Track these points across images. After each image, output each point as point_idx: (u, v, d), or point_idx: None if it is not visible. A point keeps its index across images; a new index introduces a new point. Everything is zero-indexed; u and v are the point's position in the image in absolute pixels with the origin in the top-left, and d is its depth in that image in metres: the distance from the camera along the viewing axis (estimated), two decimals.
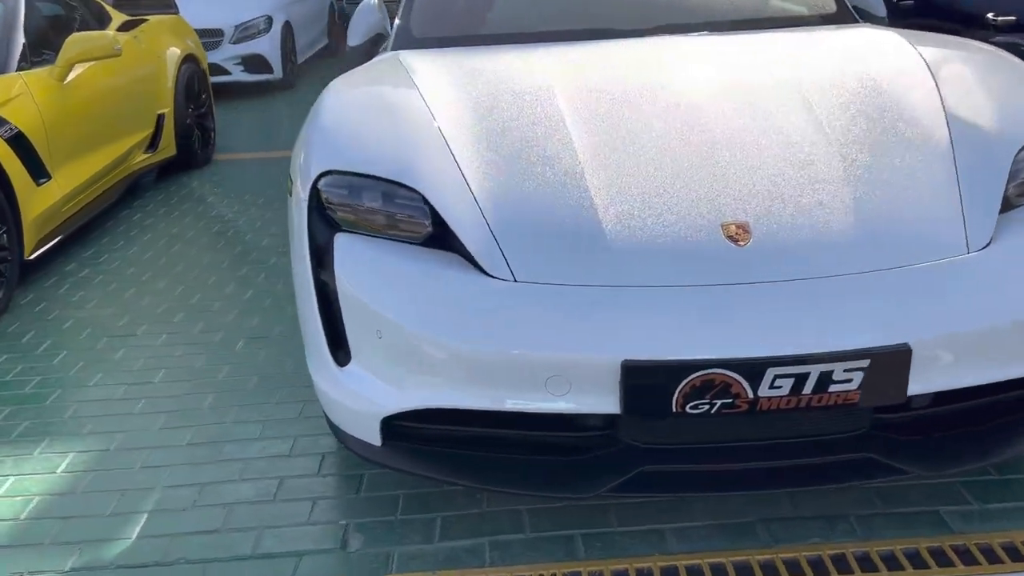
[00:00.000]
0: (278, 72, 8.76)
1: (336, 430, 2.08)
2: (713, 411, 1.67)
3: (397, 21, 3.14)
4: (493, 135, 2.12)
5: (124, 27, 5.32)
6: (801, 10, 2.98)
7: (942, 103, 2.13)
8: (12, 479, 2.39)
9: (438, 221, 1.94)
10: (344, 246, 2.00)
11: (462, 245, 1.88)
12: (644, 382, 1.66)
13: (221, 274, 3.84)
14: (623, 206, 1.88)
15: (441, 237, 1.94)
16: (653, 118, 2.14)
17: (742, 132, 2.07)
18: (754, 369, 1.63)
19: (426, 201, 1.95)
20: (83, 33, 4.34)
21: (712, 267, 1.75)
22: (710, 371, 1.63)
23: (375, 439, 1.96)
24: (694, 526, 2.01)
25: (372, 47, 3.23)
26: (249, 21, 8.61)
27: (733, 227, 1.81)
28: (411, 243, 1.96)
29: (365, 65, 2.83)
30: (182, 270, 3.92)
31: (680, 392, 1.66)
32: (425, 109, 2.24)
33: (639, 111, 2.18)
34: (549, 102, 2.25)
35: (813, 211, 1.84)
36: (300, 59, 9.57)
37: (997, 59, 2.40)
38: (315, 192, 2.08)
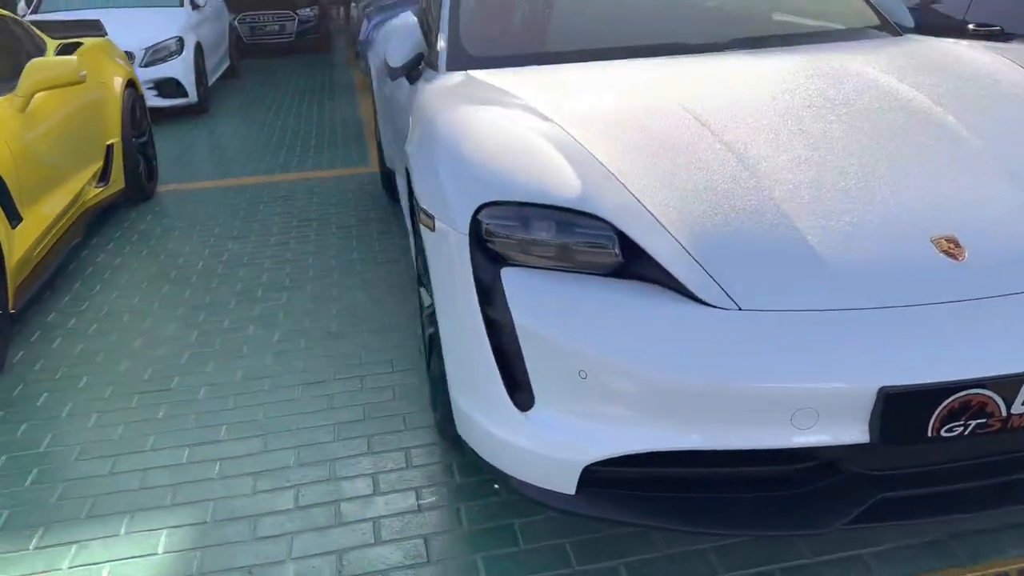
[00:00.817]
0: (192, 96, 8.30)
1: (508, 479, 1.92)
2: (967, 432, 1.63)
3: (441, 41, 2.99)
4: (647, 157, 2.02)
5: (61, 52, 4.88)
6: (853, 23, 3.02)
7: None
8: (108, 567, 2.09)
9: (625, 251, 1.82)
10: (517, 282, 1.85)
11: (665, 274, 1.76)
12: (902, 408, 1.59)
13: (232, 315, 3.55)
14: (826, 226, 1.81)
15: (625, 268, 1.82)
16: (813, 135, 2.09)
17: (906, 145, 2.06)
18: (1010, 386, 1.60)
19: (614, 229, 1.82)
20: (43, 59, 3.93)
21: (939, 284, 1.71)
22: (969, 392, 1.59)
23: (569, 487, 1.82)
24: (892, 548, 1.97)
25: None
26: (160, 43, 8.13)
27: (943, 241, 1.78)
28: (594, 275, 1.83)
29: (440, 87, 2.66)
30: (185, 312, 3.60)
31: (938, 416, 1.61)
32: (563, 132, 2.12)
33: (792, 127, 2.13)
34: (688, 121, 2.17)
35: (1013, 219, 1.84)
36: (209, 82, 9.11)
37: None
38: (475, 225, 1.92)
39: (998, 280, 1.72)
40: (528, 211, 1.89)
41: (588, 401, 1.75)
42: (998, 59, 2.57)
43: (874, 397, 1.59)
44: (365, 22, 9.34)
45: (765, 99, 2.29)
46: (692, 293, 1.73)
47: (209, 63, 9.17)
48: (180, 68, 8.17)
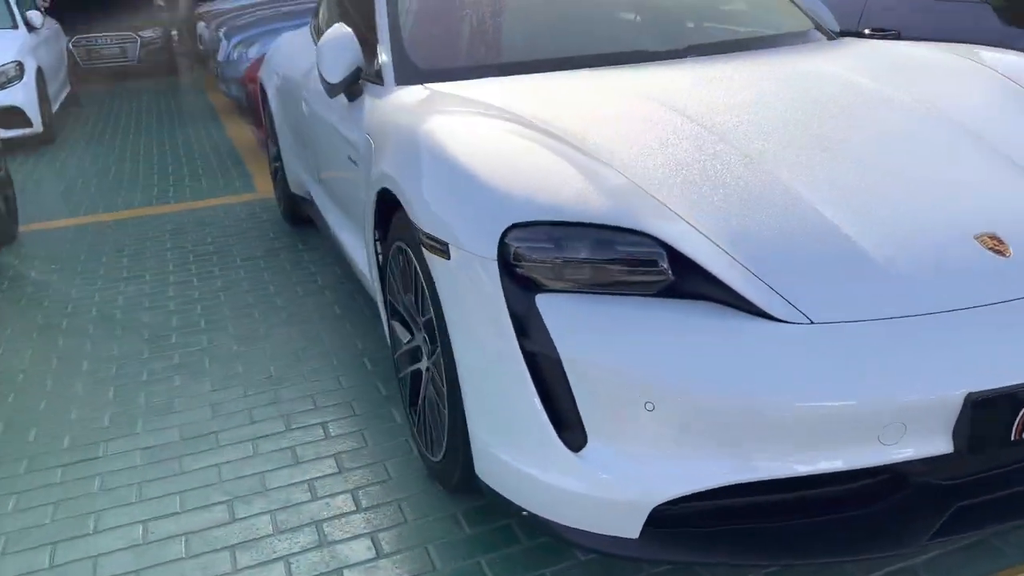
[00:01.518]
0: (37, 125, 7.57)
1: (550, 526, 1.74)
2: None
3: (383, 54, 2.77)
4: (671, 170, 1.90)
5: None
6: (792, 28, 3.03)
7: None
8: None
9: (673, 267, 1.68)
10: (558, 309, 1.68)
11: (724, 290, 1.64)
12: (987, 414, 1.54)
13: (149, 366, 3.16)
14: (874, 231, 1.75)
15: (674, 286, 1.69)
16: (827, 139, 2.03)
17: (916, 145, 2.04)
18: None
19: (662, 244, 1.68)
20: None
21: (995, 282, 1.67)
22: None
23: (632, 531, 1.66)
24: (940, 554, 1.92)
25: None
26: None
27: (987, 239, 1.75)
28: (642, 296, 1.69)
29: (401, 103, 2.45)
30: (92, 367, 3.17)
31: (1021, 418, 1.56)
32: (573, 146, 1.97)
33: (802, 132, 2.06)
34: (698, 131, 2.07)
35: None
36: (53, 109, 8.34)
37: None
38: (501, 249, 1.73)
39: None
40: (562, 230, 1.72)
41: (657, 434, 1.60)
42: (949, 55, 2.62)
43: (960, 405, 1.53)
44: (223, 42, 8.84)
45: (760, 104, 2.23)
46: (758, 308, 1.61)
47: (51, 89, 8.41)
48: (22, 95, 7.43)
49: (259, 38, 8.38)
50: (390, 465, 2.43)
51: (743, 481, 1.57)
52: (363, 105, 2.72)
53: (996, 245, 1.74)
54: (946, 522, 1.64)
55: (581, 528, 1.71)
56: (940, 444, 1.57)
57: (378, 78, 2.76)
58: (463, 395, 1.87)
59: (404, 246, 2.14)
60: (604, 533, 1.69)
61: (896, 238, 1.73)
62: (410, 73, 2.68)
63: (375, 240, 2.49)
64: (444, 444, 2.07)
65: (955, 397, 1.52)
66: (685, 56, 2.73)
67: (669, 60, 2.69)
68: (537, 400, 1.69)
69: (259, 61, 6.76)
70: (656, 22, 2.94)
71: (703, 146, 2.00)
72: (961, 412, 1.53)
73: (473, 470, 1.97)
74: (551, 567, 1.98)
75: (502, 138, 1.99)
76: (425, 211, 1.91)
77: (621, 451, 1.64)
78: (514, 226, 1.73)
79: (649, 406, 1.58)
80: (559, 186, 1.80)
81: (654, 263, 1.68)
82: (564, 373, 1.65)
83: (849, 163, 1.94)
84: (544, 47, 2.77)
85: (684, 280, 1.68)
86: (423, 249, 1.92)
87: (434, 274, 1.89)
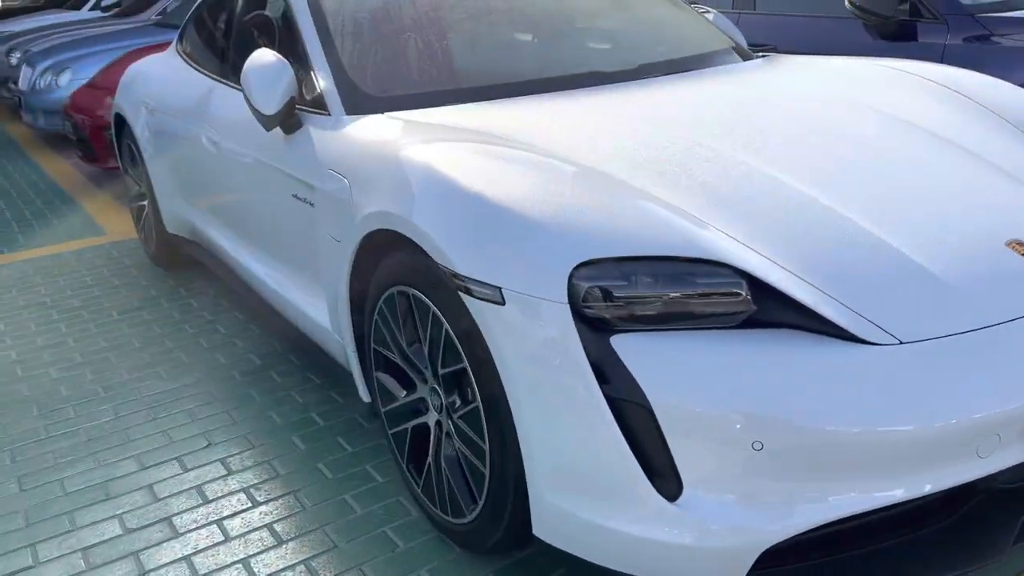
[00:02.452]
0: None
1: None
2: None
3: (322, 81, 2.55)
4: (711, 195, 1.84)
5: None
6: (717, 47, 3.08)
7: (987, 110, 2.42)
8: None
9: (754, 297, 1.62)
10: (640, 351, 1.57)
11: (809, 316, 1.59)
12: None
13: (53, 448, 2.71)
14: (921, 246, 1.76)
15: (753, 316, 1.62)
16: (839, 156, 2.05)
17: (919, 157, 2.10)
18: None
19: (741, 273, 1.61)
20: None
21: None
22: None
23: None
24: None
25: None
26: None
27: (1016, 245, 1.82)
28: (722, 328, 1.61)
29: (370, 135, 2.24)
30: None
31: None
32: (607, 175, 1.87)
33: (814, 151, 2.07)
34: (711, 150, 2.03)
35: None
36: None
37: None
38: (571, 290, 1.60)
39: None
40: (632, 266, 1.62)
41: (766, 473, 1.53)
42: (882, 67, 2.76)
43: None
44: (26, 69, 7.98)
45: (755, 123, 2.22)
46: (846, 332, 1.58)
47: None
48: None
49: (70, 64, 7.66)
50: (402, 530, 2.21)
51: (859, 511, 1.53)
52: (308, 139, 2.47)
53: None
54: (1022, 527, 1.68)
55: None
56: (1021, 452, 1.61)
57: (319, 108, 2.52)
58: (523, 448, 1.71)
59: (414, 292, 1.94)
60: None
61: (943, 252, 1.76)
62: (361, 101, 2.47)
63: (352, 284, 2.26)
64: (481, 503, 1.90)
65: None
66: (639, 76, 2.70)
67: (625, 81, 2.65)
68: (627, 448, 1.57)
69: (89, 89, 6.13)
70: (604, 43, 2.90)
71: (730, 168, 1.96)
72: None
73: (524, 528, 1.81)
74: None
75: (532, 171, 1.85)
76: (464, 253, 1.73)
77: (724, 496, 1.56)
78: (581, 265, 1.61)
79: (757, 445, 1.51)
80: (618, 218, 1.69)
81: (736, 294, 1.61)
82: (655, 419, 1.55)
83: (870, 179, 1.97)
84: (501, 71, 2.64)
85: (763, 309, 1.62)
86: (461, 295, 1.75)
87: (480, 321, 1.72)
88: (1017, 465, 1.62)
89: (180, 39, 4.04)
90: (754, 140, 2.12)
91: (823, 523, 1.53)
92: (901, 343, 1.58)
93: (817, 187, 1.91)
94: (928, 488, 1.56)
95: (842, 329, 1.58)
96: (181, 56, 3.90)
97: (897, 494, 1.54)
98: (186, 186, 3.67)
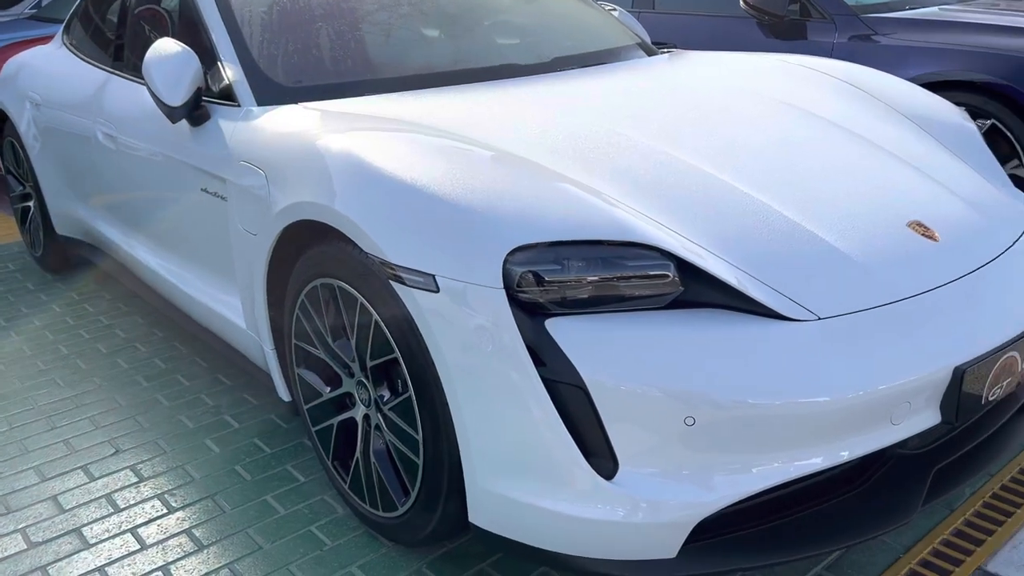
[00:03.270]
0: None
1: (579, 562, 1.65)
2: (1003, 392, 1.80)
3: (230, 71, 2.47)
4: (632, 182, 1.88)
5: None
6: (625, 42, 3.15)
7: (887, 106, 2.55)
8: None
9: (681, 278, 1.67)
10: (574, 333, 1.60)
11: (733, 295, 1.64)
12: (968, 382, 1.69)
13: None
14: (831, 227, 1.85)
15: (680, 297, 1.67)
16: (748, 144, 2.13)
17: (817, 144, 2.20)
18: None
19: (668, 256, 1.66)
20: None
21: (940, 265, 1.84)
22: (1007, 354, 1.75)
23: (671, 551, 1.62)
24: None
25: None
26: None
27: (917, 226, 1.93)
28: (652, 310, 1.65)
29: (287, 125, 2.18)
30: None
31: (989, 382, 1.74)
32: (531, 164, 1.88)
33: (724, 139, 2.14)
34: (631, 138, 2.08)
35: (941, 199, 2.06)
36: None
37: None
38: (505, 275, 1.61)
39: (973, 252, 1.92)
40: (567, 250, 1.64)
41: (698, 447, 1.57)
42: (779, 61, 2.88)
43: (949, 377, 1.67)
44: None
45: (668, 112, 2.29)
46: (769, 310, 1.65)
47: None
48: None
49: None
50: (325, 528, 2.17)
51: (784, 481, 1.60)
52: (217, 130, 2.40)
53: (925, 231, 1.93)
54: (931, 487, 1.79)
55: (611, 558, 1.64)
56: (931, 416, 1.71)
57: (228, 99, 2.45)
58: (459, 436, 1.71)
59: (340, 284, 1.91)
60: (639, 558, 1.63)
61: (852, 233, 1.86)
62: (273, 92, 2.41)
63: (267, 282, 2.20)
64: (414, 495, 1.88)
65: (945, 370, 1.67)
66: (553, 69, 2.73)
67: (540, 73, 2.68)
68: (564, 430, 1.59)
69: None
70: (518, 37, 2.92)
71: (647, 155, 2.01)
72: (950, 384, 1.68)
73: (458, 517, 1.82)
74: None
75: (457, 158, 1.85)
76: (394, 242, 1.72)
77: (657, 471, 1.59)
78: (516, 249, 1.62)
79: (689, 420, 1.55)
80: (548, 204, 1.71)
81: (664, 276, 1.65)
82: (590, 399, 1.57)
83: (779, 166, 2.05)
84: (417, 62, 2.62)
85: (690, 290, 1.67)
86: (393, 283, 1.73)
87: (413, 310, 1.70)
88: (925, 430, 1.72)
89: (67, 31, 3.85)
90: (668, 130, 2.18)
91: (751, 494, 1.59)
92: (820, 319, 1.66)
93: (730, 173, 1.98)
94: (845, 455, 1.63)
95: (764, 307, 1.65)
96: (69, 48, 3.71)
97: (817, 462, 1.61)
98: (78, 184, 3.49)
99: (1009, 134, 3.54)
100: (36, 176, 3.79)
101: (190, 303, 2.76)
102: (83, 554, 2.10)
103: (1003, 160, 3.57)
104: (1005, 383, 1.79)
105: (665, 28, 4.64)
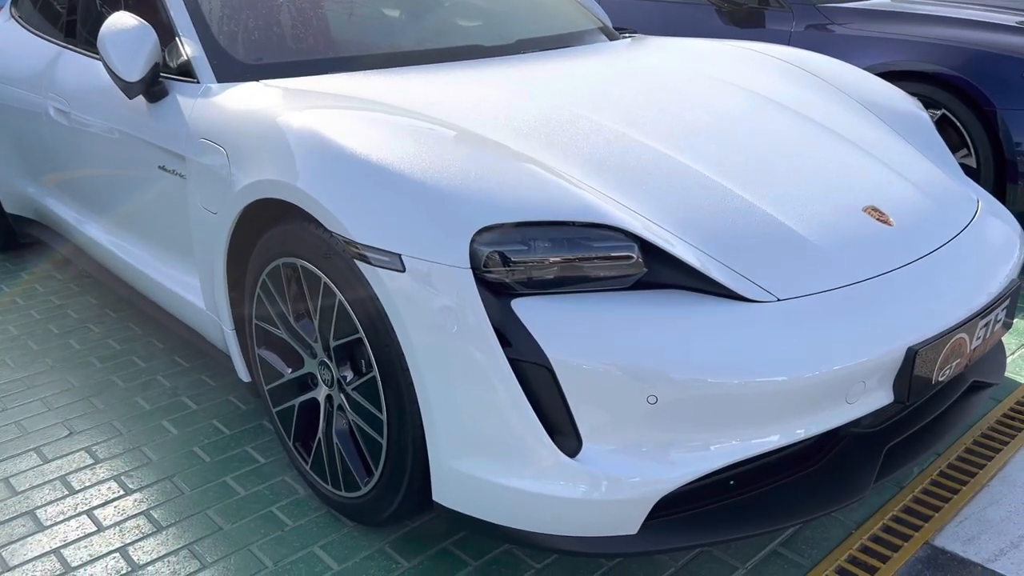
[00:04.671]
0: None
1: (540, 539, 1.67)
2: (952, 373, 1.85)
3: (189, 47, 2.43)
4: (596, 165, 1.90)
5: None
6: (586, 26, 3.16)
7: (840, 93, 2.60)
8: None
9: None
10: (538, 313, 1.61)
11: (695, 276, 1.67)
12: (920, 363, 1.74)
13: None
14: (788, 210, 1.89)
15: (644, 278, 1.69)
16: (705, 129, 2.16)
17: (773, 128, 2.24)
18: (971, 325, 1.84)
19: (632, 237, 1.68)
20: None
21: (894, 248, 1.88)
22: (957, 336, 1.81)
23: (632, 527, 1.65)
24: None
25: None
26: None
27: (872, 211, 1.98)
28: (616, 290, 1.67)
29: (263, 102, 2.15)
30: None
31: (939, 363, 1.80)
32: (495, 145, 1.89)
33: (682, 123, 2.17)
34: (591, 121, 2.09)
35: (893, 184, 2.11)
36: None
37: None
38: (472, 255, 1.61)
39: (926, 236, 1.97)
40: (532, 231, 1.65)
41: (659, 425, 1.60)
42: (737, 48, 2.92)
43: (902, 357, 1.72)
44: None
45: (634, 98, 2.30)
46: (729, 291, 1.68)
47: None
48: None
49: None
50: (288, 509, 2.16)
51: (745, 457, 1.63)
52: (175, 107, 2.36)
53: (880, 216, 1.98)
54: (883, 465, 1.84)
55: (573, 535, 1.67)
56: (883, 396, 1.76)
57: (187, 75, 2.41)
58: (424, 415, 1.71)
59: (302, 263, 1.90)
60: (605, 535, 1.66)
61: (810, 217, 1.90)
62: (233, 69, 2.37)
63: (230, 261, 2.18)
64: (377, 474, 1.89)
65: (898, 351, 1.71)
66: (517, 52, 2.73)
67: (504, 56, 2.68)
68: (529, 408, 1.60)
69: None
70: (481, 19, 2.91)
71: (610, 138, 2.02)
72: (903, 364, 1.73)
73: (421, 496, 1.83)
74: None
75: (422, 137, 1.85)
76: (359, 220, 1.71)
77: (619, 449, 1.62)
78: (483, 229, 1.62)
79: (652, 399, 1.58)
80: (514, 184, 1.72)
81: (628, 257, 1.67)
82: (555, 378, 1.59)
83: (738, 150, 2.09)
84: (380, 42, 2.61)
85: (653, 271, 1.69)
86: (358, 263, 1.72)
87: (378, 290, 1.70)
88: (878, 409, 1.77)
89: (15, 3, 3.73)
90: (630, 113, 2.19)
91: (711, 471, 1.63)
92: (779, 300, 1.70)
93: (691, 156, 2.01)
94: (801, 433, 1.68)
95: (725, 288, 1.68)
96: (17, 21, 3.61)
97: (774, 440, 1.65)
98: (28, 162, 3.40)
99: (959, 124, 3.63)
100: None
101: (147, 283, 2.71)
102: (37, 536, 2.07)
103: (953, 149, 3.67)
104: (954, 364, 1.85)
105: (626, 14, 4.65)
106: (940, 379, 1.83)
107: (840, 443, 1.86)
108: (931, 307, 1.81)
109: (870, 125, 2.46)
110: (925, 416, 1.97)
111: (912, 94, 3.11)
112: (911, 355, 1.72)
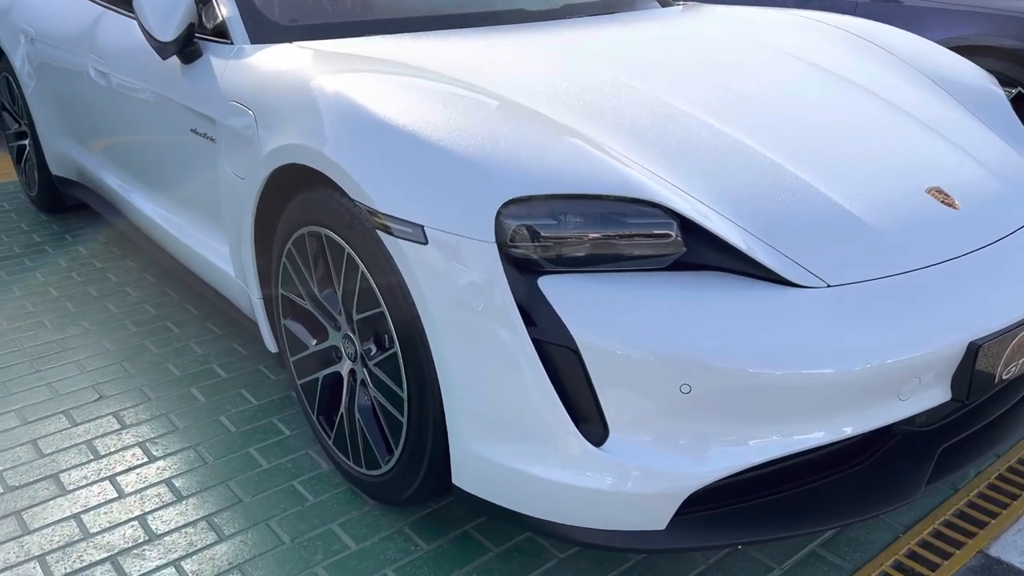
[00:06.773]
0: None
1: (562, 529, 1.59)
2: (1017, 371, 1.71)
3: (224, 7, 2.36)
4: (640, 137, 1.78)
5: None
6: None
7: (910, 68, 2.43)
8: None
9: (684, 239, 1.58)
10: (568, 293, 1.51)
11: (739, 258, 1.55)
12: (982, 359, 1.61)
13: None
14: (846, 191, 1.75)
15: (682, 258, 1.58)
16: (764, 102, 2.03)
17: (838, 103, 2.09)
18: None
19: (672, 214, 1.56)
20: None
21: (959, 234, 1.74)
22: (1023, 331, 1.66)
23: (660, 523, 1.55)
24: None
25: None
26: None
27: (936, 193, 1.83)
28: (652, 271, 1.56)
29: (294, 65, 2.07)
30: None
31: (1004, 360, 1.65)
32: (535, 114, 1.78)
33: (735, 92, 2.04)
34: (641, 91, 1.97)
35: (962, 170, 1.95)
36: None
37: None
38: (498, 228, 1.52)
39: (995, 223, 1.82)
40: (564, 204, 1.55)
41: (692, 416, 1.49)
42: (796, 16, 2.75)
43: (963, 352, 1.59)
44: None
45: (683, 67, 2.17)
46: (776, 275, 1.55)
47: None
48: None
49: None
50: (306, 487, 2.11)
51: (782, 455, 1.52)
52: (208, 68, 2.30)
53: (945, 199, 1.83)
54: (936, 467, 1.71)
55: (597, 528, 1.57)
56: (940, 393, 1.62)
57: (221, 36, 2.34)
58: (444, 395, 1.63)
59: (327, 232, 1.83)
60: (630, 529, 1.56)
61: (868, 198, 1.76)
62: (267, 30, 2.30)
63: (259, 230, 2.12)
64: (398, 453, 1.82)
65: (959, 346, 1.58)
66: (563, 17, 2.61)
67: (550, 20, 2.56)
68: (553, 393, 1.51)
69: None
70: None
71: (655, 109, 1.90)
72: (963, 360, 1.59)
73: (442, 478, 1.75)
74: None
75: (455, 104, 1.75)
76: (383, 189, 1.63)
77: (648, 439, 1.52)
78: (510, 202, 1.53)
79: (685, 388, 1.47)
80: (546, 155, 1.61)
81: (666, 235, 1.56)
82: (582, 362, 1.49)
83: (794, 124, 1.95)
84: (414, 3, 2.51)
85: (693, 251, 1.58)
86: (380, 233, 1.64)
87: (400, 262, 1.62)
88: (934, 408, 1.64)
89: None
90: (679, 83, 2.07)
91: (747, 467, 1.52)
92: (829, 286, 1.57)
93: (743, 131, 1.88)
94: (849, 431, 1.55)
95: (771, 272, 1.56)
96: None
97: (818, 437, 1.53)
98: (72, 123, 3.40)
99: None
100: (31, 113, 3.70)
101: (180, 248, 2.68)
102: (59, 500, 2.05)
103: None
104: (1020, 362, 1.70)
105: None
106: (1004, 377, 1.68)
107: (891, 441, 1.73)
108: (997, 299, 1.66)
109: (939, 101, 2.29)
110: (985, 416, 1.82)
111: (988, 71, 2.91)
112: (973, 350, 1.58)
